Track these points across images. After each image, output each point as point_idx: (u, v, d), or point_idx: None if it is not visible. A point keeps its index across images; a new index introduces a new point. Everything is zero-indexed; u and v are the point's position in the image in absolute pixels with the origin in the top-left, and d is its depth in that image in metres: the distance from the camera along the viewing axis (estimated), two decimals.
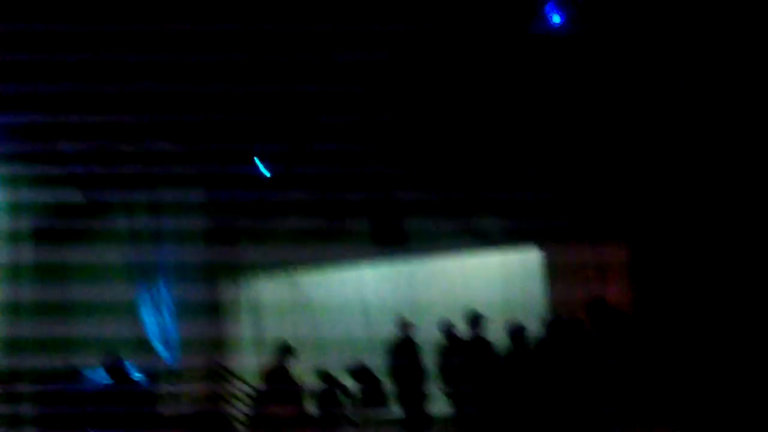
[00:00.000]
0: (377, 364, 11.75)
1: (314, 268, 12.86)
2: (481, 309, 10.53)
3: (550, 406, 8.90)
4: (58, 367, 9.70)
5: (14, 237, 10.08)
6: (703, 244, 9.65)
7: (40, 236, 10.32)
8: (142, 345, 11.08)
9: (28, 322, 10.04)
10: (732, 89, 9.23)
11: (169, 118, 9.57)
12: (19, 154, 9.92)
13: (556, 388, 8.98)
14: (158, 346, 11.07)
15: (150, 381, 10.67)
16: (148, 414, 8.26)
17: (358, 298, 13.69)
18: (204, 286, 11.47)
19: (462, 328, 10.37)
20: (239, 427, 11.03)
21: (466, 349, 10.06)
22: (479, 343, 9.91)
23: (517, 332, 9.60)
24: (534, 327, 10.44)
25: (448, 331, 11.30)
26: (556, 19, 8.14)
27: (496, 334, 9.86)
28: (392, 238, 11.98)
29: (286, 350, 10.12)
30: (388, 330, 12.69)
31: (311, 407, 10.71)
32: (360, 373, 12.07)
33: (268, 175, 11.22)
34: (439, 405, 10.67)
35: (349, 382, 11.81)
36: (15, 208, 10.10)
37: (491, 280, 13.21)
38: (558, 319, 10.22)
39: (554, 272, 11.34)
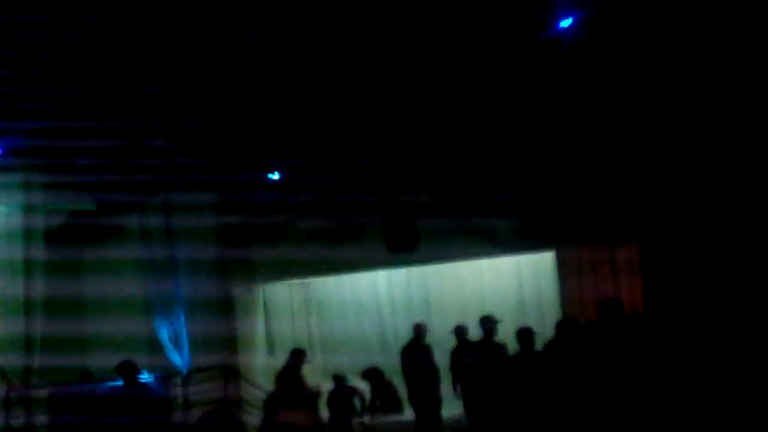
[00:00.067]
0: (391, 365, 11.75)
1: (328, 271, 12.85)
2: (494, 311, 10.49)
3: (562, 409, 8.82)
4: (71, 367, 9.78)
5: (28, 237, 10.15)
6: (715, 245, 9.58)
7: (52, 237, 10.40)
8: (154, 345, 11.13)
9: (41, 320, 10.09)
10: (745, 91, 9.17)
11: (184, 123, 9.62)
12: (33, 162, 10.00)
13: (568, 390, 8.90)
14: (169, 347, 11.10)
15: (161, 383, 10.73)
16: (159, 418, 8.25)
17: (372, 301, 13.70)
18: (217, 286, 11.48)
19: (475, 331, 10.32)
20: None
21: (478, 352, 10.00)
22: (491, 346, 9.85)
23: (525, 335, 9.55)
24: (547, 329, 10.41)
25: (461, 334, 11.29)
26: (566, 23, 8.12)
27: (509, 336, 9.80)
28: (405, 241, 11.96)
29: (298, 353, 10.05)
30: (401, 332, 12.73)
31: (324, 411, 10.69)
32: (373, 375, 12.07)
33: (281, 178, 11.25)
34: (451, 408, 10.64)
35: (362, 385, 11.81)
36: (29, 210, 10.18)
37: (504, 283, 13.19)
38: (571, 320, 10.16)
39: (567, 274, 11.26)
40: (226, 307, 11.57)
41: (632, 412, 8.60)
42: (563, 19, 8.02)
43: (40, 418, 9.71)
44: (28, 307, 10.01)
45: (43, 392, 9.71)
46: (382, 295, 13.71)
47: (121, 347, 9.78)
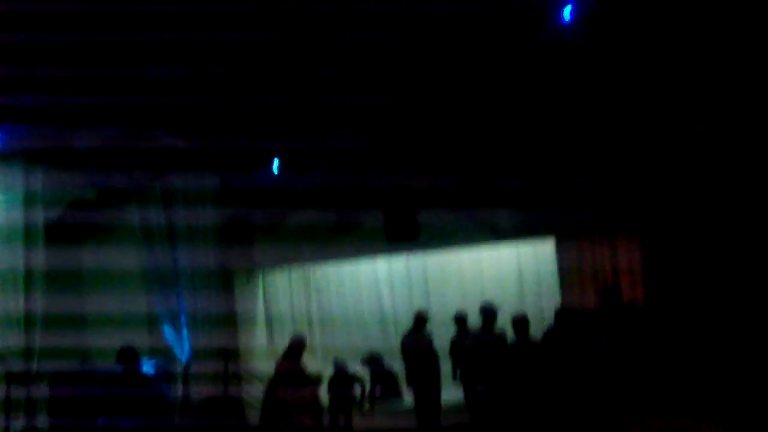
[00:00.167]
0: (391, 355, 11.79)
1: (327, 262, 12.87)
2: (494, 299, 10.52)
3: (561, 395, 8.87)
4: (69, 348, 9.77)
5: (27, 231, 10.12)
6: (715, 234, 9.60)
7: (52, 232, 10.35)
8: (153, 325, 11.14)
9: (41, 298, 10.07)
10: (750, 88, 9.16)
11: (182, 113, 9.60)
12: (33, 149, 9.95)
13: (568, 377, 8.96)
14: (167, 329, 11.09)
15: (161, 368, 10.77)
16: (159, 400, 8.24)
17: (372, 291, 13.72)
18: (217, 275, 11.48)
19: (475, 320, 10.36)
20: (252, 412, 11.07)
21: (478, 340, 10.04)
22: (491, 334, 9.88)
23: (520, 322, 9.59)
24: (546, 316, 10.45)
25: (461, 322, 11.33)
26: (566, 12, 8.11)
27: (508, 324, 9.84)
28: (405, 232, 11.97)
29: (297, 346, 9.98)
30: (401, 319, 12.77)
31: (324, 397, 10.74)
32: (372, 361, 12.13)
33: (280, 169, 11.23)
34: (451, 394, 10.69)
35: (362, 373, 11.86)
36: (29, 202, 10.13)
37: (504, 271, 13.22)
38: (570, 309, 10.21)
39: (567, 262, 11.28)
40: (226, 288, 11.54)
41: (630, 401, 8.65)
42: (563, 8, 8.03)
43: (41, 391, 9.75)
44: (27, 282, 9.95)
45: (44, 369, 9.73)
46: (383, 286, 13.75)
47: (123, 325, 9.79)
